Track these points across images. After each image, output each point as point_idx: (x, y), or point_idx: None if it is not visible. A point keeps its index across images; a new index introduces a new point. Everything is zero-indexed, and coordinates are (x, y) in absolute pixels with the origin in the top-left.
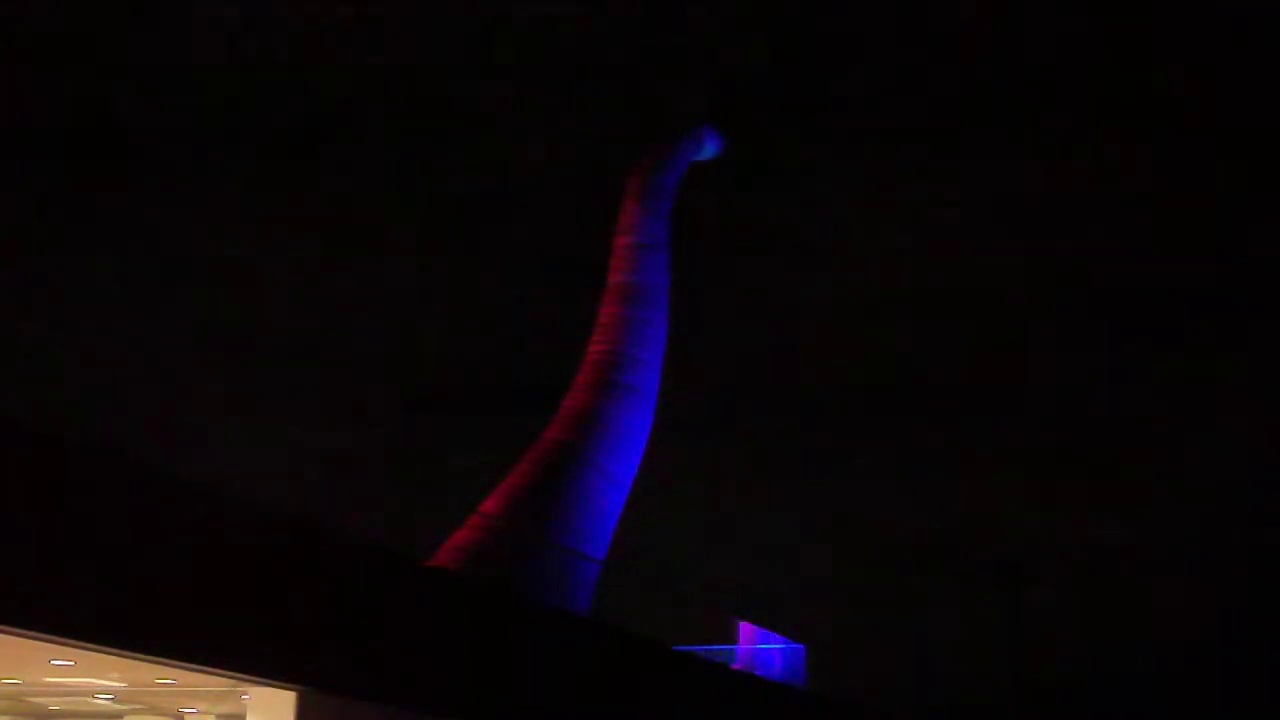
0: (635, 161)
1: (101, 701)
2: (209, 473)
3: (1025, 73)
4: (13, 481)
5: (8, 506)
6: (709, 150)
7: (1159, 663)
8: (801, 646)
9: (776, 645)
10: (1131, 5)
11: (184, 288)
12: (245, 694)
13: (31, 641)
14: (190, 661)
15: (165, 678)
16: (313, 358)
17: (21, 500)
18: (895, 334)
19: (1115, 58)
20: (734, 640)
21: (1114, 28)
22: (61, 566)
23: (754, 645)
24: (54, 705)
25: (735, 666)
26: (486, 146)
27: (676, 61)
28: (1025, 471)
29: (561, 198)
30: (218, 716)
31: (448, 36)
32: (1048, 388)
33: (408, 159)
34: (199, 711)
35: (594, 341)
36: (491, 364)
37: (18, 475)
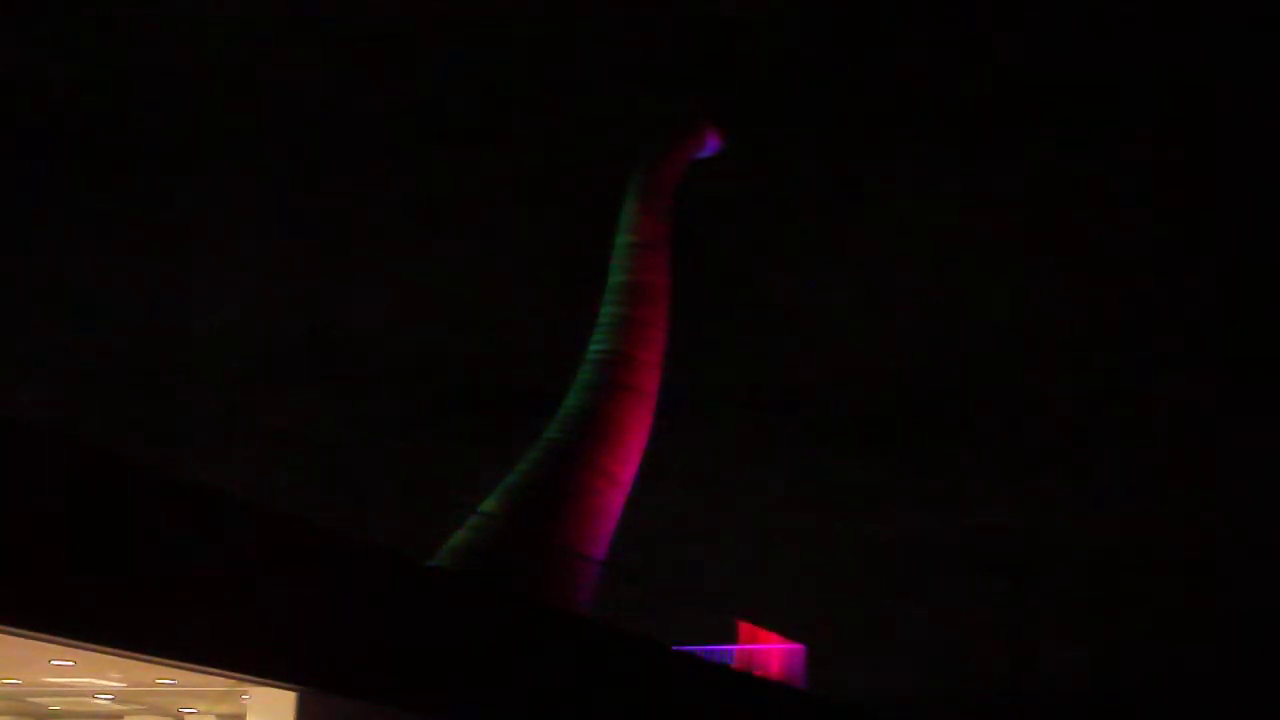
0: (636, 161)
1: (101, 701)
2: (209, 473)
3: (1027, 76)
4: (13, 481)
5: (8, 506)
6: (710, 150)
7: (1159, 663)
8: (801, 646)
9: (776, 645)
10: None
11: (183, 288)
12: (245, 694)
13: (31, 641)
14: (190, 661)
15: (165, 678)
16: (312, 358)
17: (22, 500)
18: (896, 335)
19: (1118, 62)
20: (734, 640)
21: (1133, 28)
22: (61, 566)
23: (754, 645)
24: (54, 705)
25: (735, 666)
26: (487, 146)
27: (677, 61)
28: (1025, 472)
29: (562, 197)
30: (218, 716)
31: (447, 36)
32: (1049, 389)
33: (407, 158)
34: (199, 711)
35: (594, 341)
36: (492, 364)
37: (18, 475)
